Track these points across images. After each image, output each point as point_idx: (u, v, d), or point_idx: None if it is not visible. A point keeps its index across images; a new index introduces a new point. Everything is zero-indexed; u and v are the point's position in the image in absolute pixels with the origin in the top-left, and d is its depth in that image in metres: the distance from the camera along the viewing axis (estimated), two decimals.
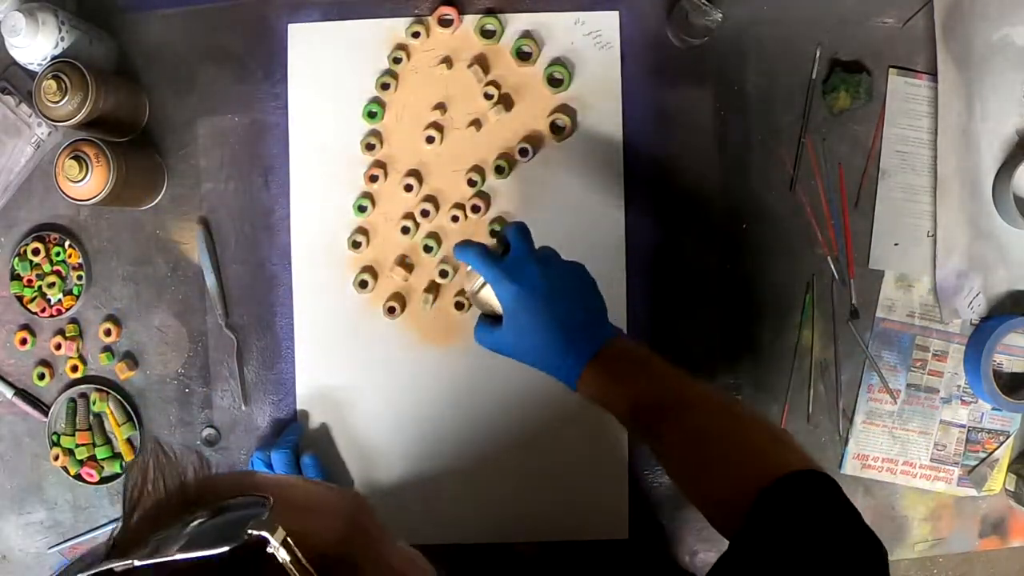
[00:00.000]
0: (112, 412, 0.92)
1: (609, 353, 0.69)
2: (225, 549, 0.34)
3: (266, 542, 0.34)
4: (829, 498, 0.56)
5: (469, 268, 0.73)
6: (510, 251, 0.72)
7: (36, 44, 0.80)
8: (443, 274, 0.91)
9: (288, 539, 0.35)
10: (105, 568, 0.34)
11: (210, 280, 0.92)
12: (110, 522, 0.93)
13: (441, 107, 0.92)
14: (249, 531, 0.34)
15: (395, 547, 0.46)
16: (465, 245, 0.73)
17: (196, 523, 0.36)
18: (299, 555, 0.35)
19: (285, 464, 0.87)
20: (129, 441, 0.92)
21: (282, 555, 0.34)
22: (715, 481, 0.62)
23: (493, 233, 0.90)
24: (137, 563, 0.34)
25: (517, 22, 0.91)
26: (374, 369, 0.92)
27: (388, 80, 0.91)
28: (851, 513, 0.55)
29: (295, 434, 0.91)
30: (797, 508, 0.55)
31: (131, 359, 0.93)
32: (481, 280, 0.72)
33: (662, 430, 0.65)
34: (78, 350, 0.93)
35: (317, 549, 0.36)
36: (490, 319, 0.74)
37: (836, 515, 0.55)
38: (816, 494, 0.56)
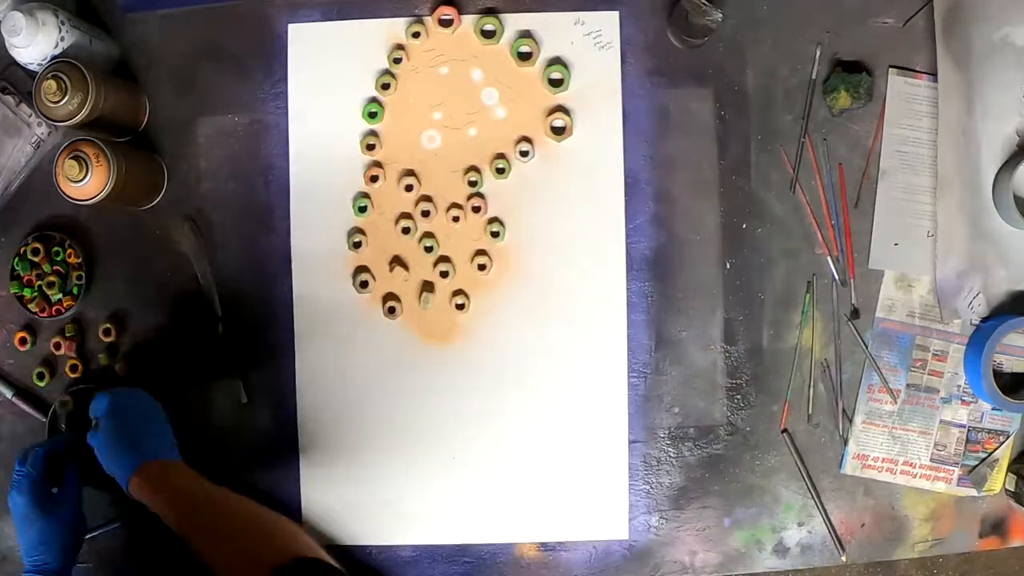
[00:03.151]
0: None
1: (164, 464, 0.81)
2: None
3: None
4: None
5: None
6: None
7: (36, 44, 0.80)
8: (443, 274, 0.91)
9: None
10: None
11: (203, 277, 0.92)
12: (110, 522, 0.93)
13: (441, 107, 0.92)
14: None
15: None
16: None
17: None
18: None
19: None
20: None
21: None
22: (239, 561, 0.73)
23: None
24: None
25: (517, 22, 0.91)
26: (374, 369, 0.92)
27: (388, 80, 0.91)
28: None
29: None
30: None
31: (131, 359, 0.93)
32: None
33: (195, 523, 0.77)
34: (78, 350, 0.93)
35: None
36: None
37: None
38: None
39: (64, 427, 0.90)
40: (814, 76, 0.91)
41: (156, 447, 0.82)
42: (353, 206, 0.91)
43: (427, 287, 0.91)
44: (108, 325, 0.92)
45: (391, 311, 0.91)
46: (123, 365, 0.92)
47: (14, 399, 0.93)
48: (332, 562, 0.75)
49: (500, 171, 0.91)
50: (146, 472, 0.79)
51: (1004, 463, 0.92)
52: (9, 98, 0.91)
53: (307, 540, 0.80)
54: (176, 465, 0.82)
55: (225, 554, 0.73)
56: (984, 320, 0.91)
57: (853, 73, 0.89)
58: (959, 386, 0.92)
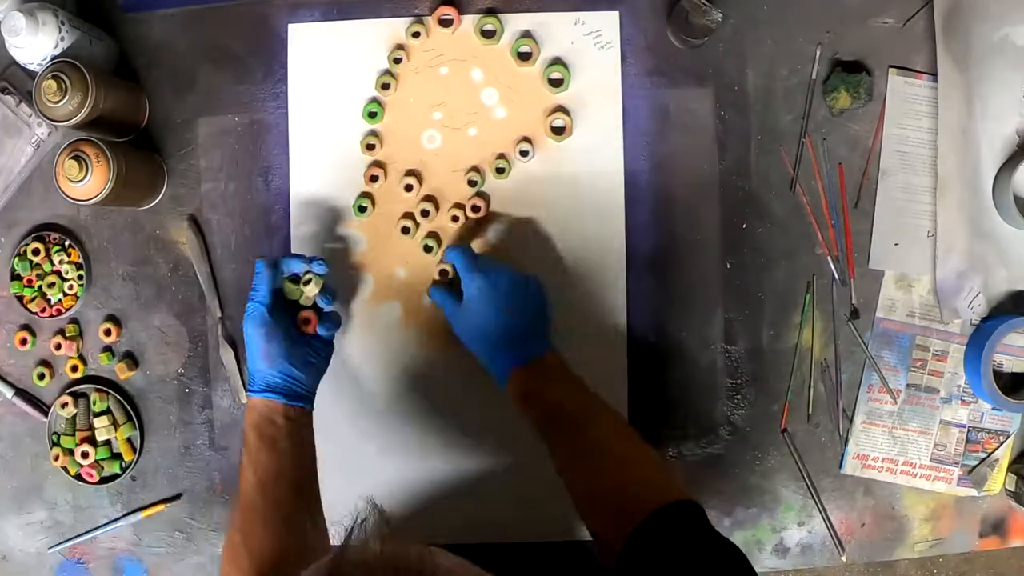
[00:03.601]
0: (112, 412, 0.92)
1: (537, 365, 0.79)
2: None
3: None
4: (700, 526, 0.65)
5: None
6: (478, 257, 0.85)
7: (36, 44, 0.80)
8: (443, 274, 0.91)
9: None
10: None
11: (203, 277, 0.92)
12: (110, 522, 0.93)
13: (441, 107, 0.92)
14: None
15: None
16: (455, 245, 0.87)
17: None
18: None
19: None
20: (129, 441, 0.92)
21: None
22: (603, 503, 0.70)
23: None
24: None
25: (517, 22, 0.91)
26: (374, 368, 0.92)
27: (388, 80, 0.91)
28: (715, 536, 0.63)
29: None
30: (674, 533, 0.63)
31: (131, 359, 0.93)
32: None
33: (563, 442, 0.75)
34: (78, 350, 0.93)
35: None
36: (450, 291, 0.85)
37: (706, 541, 0.63)
38: (690, 522, 0.64)
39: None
40: (814, 76, 0.91)
41: (541, 338, 0.81)
42: (353, 206, 0.91)
43: (427, 287, 0.91)
44: (108, 325, 0.92)
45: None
46: (123, 365, 0.92)
47: (14, 399, 0.93)
48: (701, 508, 0.67)
49: (500, 171, 0.91)
50: (529, 372, 0.78)
51: (1004, 463, 0.92)
52: (9, 98, 0.91)
53: (680, 485, 0.73)
54: (557, 362, 0.80)
55: (595, 497, 0.71)
56: (984, 320, 0.91)
57: (853, 73, 0.89)
58: (959, 386, 0.92)
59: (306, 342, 0.82)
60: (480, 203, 0.90)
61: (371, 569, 0.42)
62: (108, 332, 0.92)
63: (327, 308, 0.84)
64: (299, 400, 0.80)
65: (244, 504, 0.76)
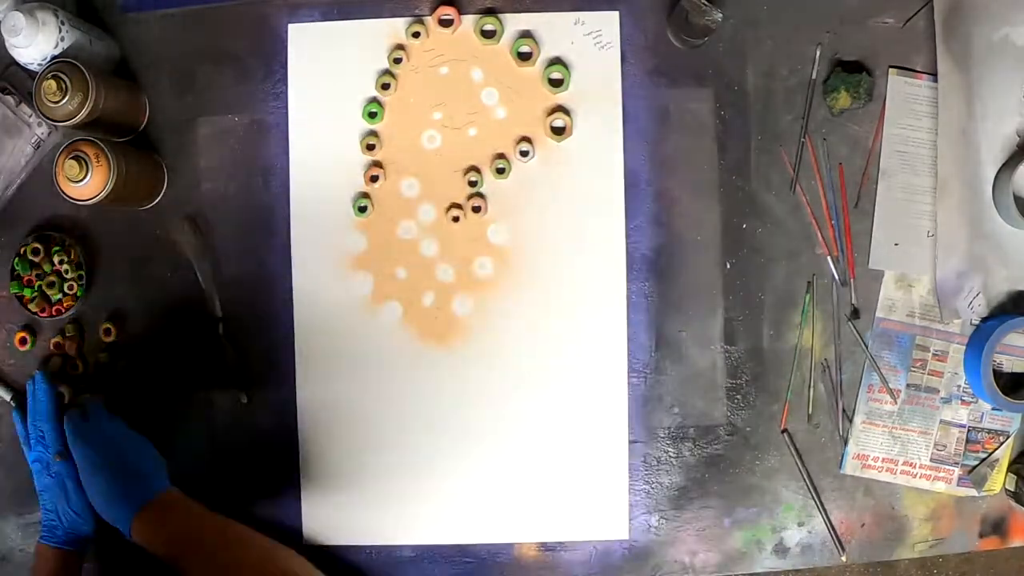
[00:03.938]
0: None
1: (160, 502, 0.80)
2: None
3: None
4: None
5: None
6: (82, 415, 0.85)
7: (36, 44, 0.80)
8: (444, 274, 0.91)
9: None
10: None
11: (203, 277, 0.92)
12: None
13: (441, 107, 0.92)
14: None
15: None
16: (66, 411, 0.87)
17: None
18: None
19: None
20: None
21: None
22: None
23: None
24: None
25: (517, 22, 0.91)
26: (374, 369, 0.92)
27: (388, 80, 0.91)
28: None
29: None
30: None
31: (131, 359, 0.93)
32: None
33: (195, 564, 0.76)
34: (78, 350, 0.93)
35: None
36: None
37: None
38: None
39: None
40: (814, 76, 0.91)
41: (152, 481, 0.82)
42: (353, 206, 0.91)
43: (427, 287, 0.91)
44: (108, 325, 0.92)
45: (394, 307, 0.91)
46: (123, 365, 0.92)
47: (12, 402, 0.92)
48: None
49: (500, 171, 0.91)
50: (147, 515, 0.79)
51: (1004, 463, 0.92)
52: (9, 98, 0.91)
53: (304, 570, 0.79)
54: (175, 499, 0.82)
55: None
56: (984, 320, 0.91)
57: (853, 73, 0.89)
58: (959, 386, 0.92)
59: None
60: (480, 203, 0.90)
61: None
62: (108, 332, 0.92)
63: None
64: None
65: None
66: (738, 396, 0.92)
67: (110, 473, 0.81)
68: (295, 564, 0.78)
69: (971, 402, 0.92)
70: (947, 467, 0.92)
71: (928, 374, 0.92)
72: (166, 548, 0.77)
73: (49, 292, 0.92)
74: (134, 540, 0.78)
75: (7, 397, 0.93)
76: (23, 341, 0.93)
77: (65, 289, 0.92)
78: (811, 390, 0.91)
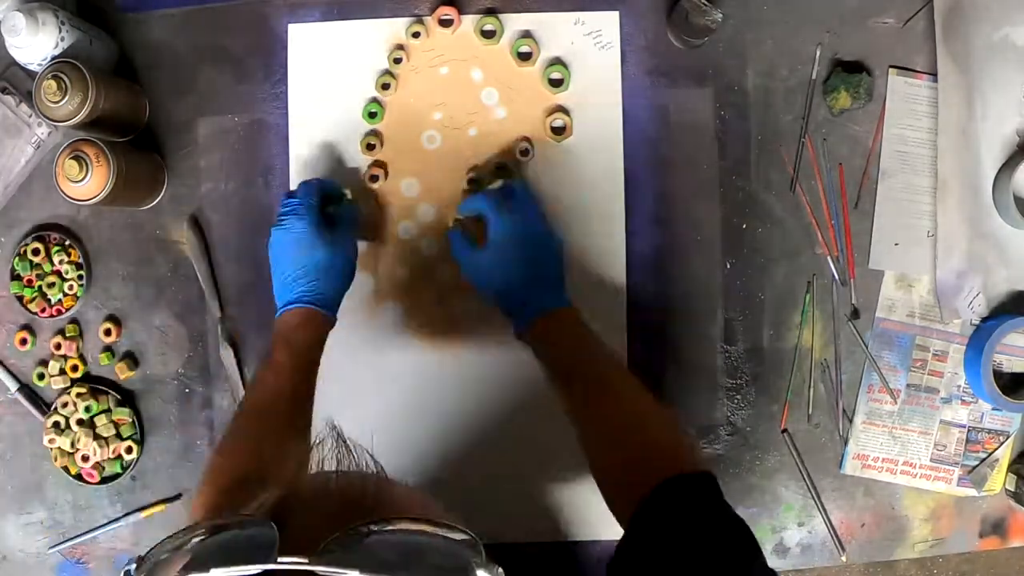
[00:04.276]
0: (112, 412, 0.92)
1: (563, 315, 0.79)
2: None
3: None
4: (709, 499, 0.63)
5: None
6: (513, 195, 0.83)
7: (36, 44, 0.80)
8: (444, 274, 0.91)
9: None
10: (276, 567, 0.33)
11: (203, 277, 0.92)
12: (110, 522, 0.93)
13: (441, 107, 0.92)
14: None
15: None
16: (484, 192, 0.84)
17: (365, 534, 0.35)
18: None
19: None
20: (129, 441, 0.92)
21: None
22: (616, 469, 0.69)
23: (499, 169, 0.90)
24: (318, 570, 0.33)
25: (517, 22, 0.91)
26: (374, 369, 0.92)
27: (388, 80, 0.91)
28: (722, 511, 0.62)
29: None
30: (682, 506, 0.62)
31: (131, 359, 0.93)
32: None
33: (579, 399, 0.73)
34: (78, 350, 0.93)
35: None
36: (470, 240, 0.83)
37: (711, 516, 0.61)
38: (700, 494, 0.63)
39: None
40: (814, 76, 0.91)
41: (562, 292, 0.81)
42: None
43: (427, 287, 0.91)
44: (108, 325, 0.92)
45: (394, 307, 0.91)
46: (123, 365, 0.92)
47: (16, 395, 0.92)
48: (715, 479, 0.65)
49: (500, 171, 0.91)
50: (550, 321, 0.77)
51: (1004, 463, 0.92)
52: (9, 98, 0.91)
53: (697, 454, 0.74)
54: (576, 317, 0.79)
55: (607, 462, 0.70)
56: (984, 320, 0.91)
57: (853, 73, 0.89)
58: (959, 386, 0.92)
59: (331, 247, 0.80)
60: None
61: (323, 498, 0.40)
62: (108, 332, 0.92)
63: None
64: (328, 308, 0.79)
65: (235, 427, 0.75)
66: (738, 396, 0.92)
67: (536, 264, 0.80)
68: (690, 451, 0.70)
69: (971, 402, 0.92)
70: (947, 467, 0.92)
71: (928, 374, 0.92)
72: (557, 362, 0.76)
73: (49, 292, 0.92)
74: (523, 339, 0.78)
75: (13, 389, 0.93)
76: (23, 341, 0.93)
77: (65, 289, 0.92)
78: (811, 390, 0.91)
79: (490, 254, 0.80)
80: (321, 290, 0.79)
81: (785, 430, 0.92)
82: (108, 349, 0.93)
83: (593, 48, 0.91)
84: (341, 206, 0.84)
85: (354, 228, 0.85)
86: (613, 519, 0.91)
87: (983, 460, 0.92)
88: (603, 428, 0.72)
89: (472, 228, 0.85)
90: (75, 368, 0.92)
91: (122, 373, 0.92)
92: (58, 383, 0.91)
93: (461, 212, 0.86)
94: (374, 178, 0.91)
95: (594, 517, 0.91)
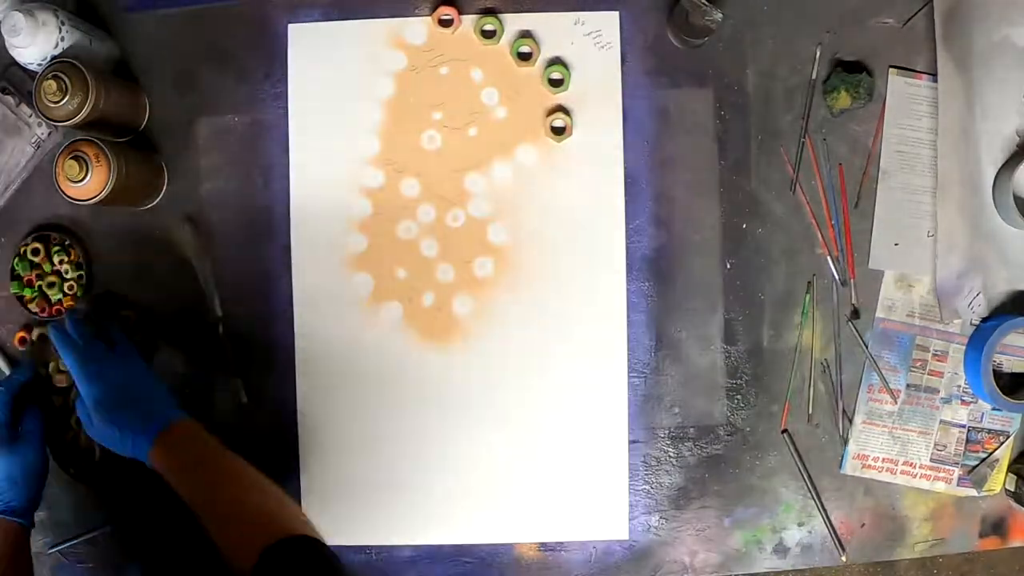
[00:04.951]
0: None
1: (179, 428, 0.78)
2: None
3: None
4: (321, 561, 0.68)
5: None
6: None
7: (36, 44, 0.80)
8: (444, 273, 0.91)
9: None
10: None
11: (203, 277, 0.92)
12: (110, 521, 0.93)
13: (441, 107, 0.92)
14: None
15: None
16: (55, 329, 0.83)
17: None
18: None
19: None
20: None
21: None
22: (236, 535, 0.71)
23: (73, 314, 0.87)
24: None
25: (517, 22, 0.91)
26: (374, 369, 0.92)
27: (388, 80, 0.91)
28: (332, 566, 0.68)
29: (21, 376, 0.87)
30: (294, 567, 0.66)
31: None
32: None
33: (204, 485, 0.75)
34: None
35: None
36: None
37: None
38: (310, 556, 0.67)
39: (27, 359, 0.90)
40: (814, 76, 0.91)
41: (168, 409, 0.80)
42: (353, 206, 0.91)
43: (427, 287, 0.91)
44: None
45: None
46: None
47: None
48: (322, 542, 0.71)
49: (500, 171, 0.91)
50: (164, 440, 0.76)
51: (1004, 463, 0.92)
52: (9, 98, 0.91)
53: (306, 521, 0.76)
54: (192, 427, 0.79)
55: (226, 528, 0.71)
56: (984, 320, 0.91)
57: (853, 73, 0.89)
58: (959, 386, 0.92)
59: (15, 455, 0.82)
60: (480, 203, 0.90)
61: None
62: None
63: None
64: (21, 516, 0.80)
65: None
66: (738, 396, 0.92)
67: (133, 400, 0.79)
68: (297, 523, 0.74)
69: (971, 402, 0.92)
70: (947, 467, 0.92)
71: (928, 374, 0.92)
72: (179, 475, 0.75)
73: (49, 292, 0.92)
74: (153, 467, 0.77)
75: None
76: (23, 341, 0.93)
77: (65, 289, 0.92)
78: (811, 390, 0.91)
79: (89, 402, 0.79)
80: (7, 500, 0.79)
81: (785, 430, 0.92)
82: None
83: (593, 48, 0.91)
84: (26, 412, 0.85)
85: (41, 428, 0.85)
86: (606, 521, 0.91)
87: (983, 460, 0.92)
88: (225, 503, 0.74)
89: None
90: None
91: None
92: (59, 382, 0.91)
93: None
94: (374, 178, 0.91)
95: (591, 517, 0.91)
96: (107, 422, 0.78)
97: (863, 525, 0.92)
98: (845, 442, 0.92)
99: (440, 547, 0.92)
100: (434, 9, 0.91)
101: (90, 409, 0.79)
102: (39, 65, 0.82)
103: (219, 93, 0.93)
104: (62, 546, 0.93)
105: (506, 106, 0.92)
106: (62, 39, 0.82)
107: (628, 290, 0.91)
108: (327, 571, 0.67)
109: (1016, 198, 0.88)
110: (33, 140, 0.92)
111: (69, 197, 0.83)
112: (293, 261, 0.92)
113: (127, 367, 0.82)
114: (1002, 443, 0.92)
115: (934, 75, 0.90)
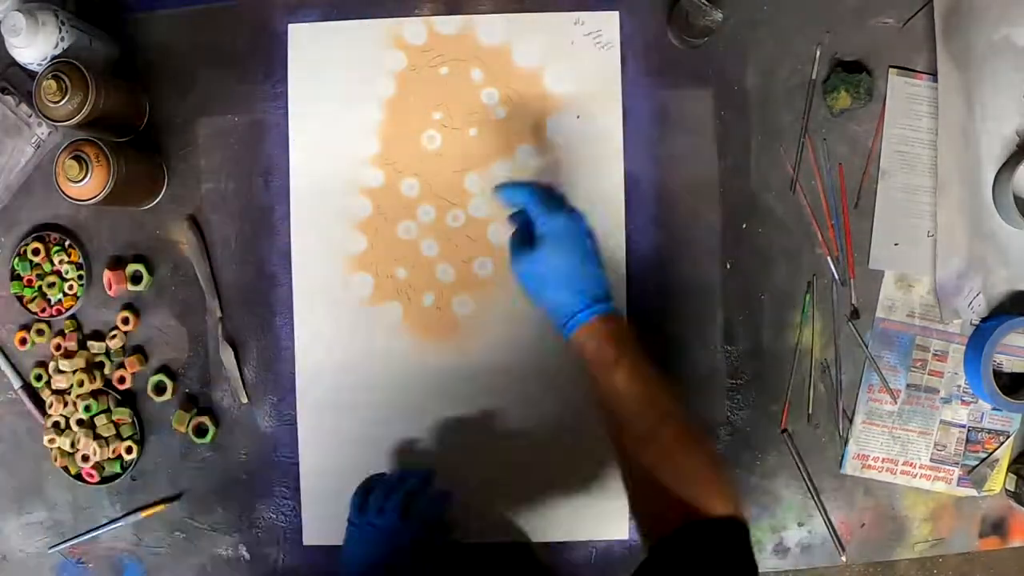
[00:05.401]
0: (112, 412, 0.92)
1: (615, 319, 0.73)
2: None
3: None
4: (736, 545, 0.64)
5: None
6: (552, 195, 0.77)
7: (36, 44, 0.80)
8: (444, 274, 0.91)
9: None
10: None
11: (203, 277, 0.92)
12: (110, 522, 0.93)
13: (441, 107, 0.92)
14: None
15: None
16: (523, 184, 0.77)
17: None
18: None
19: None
20: (129, 441, 0.92)
21: None
22: (648, 501, 0.68)
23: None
24: None
25: (517, 22, 0.91)
26: (374, 369, 0.92)
27: (388, 80, 0.91)
28: (748, 561, 0.64)
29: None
30: (702, 551, 0.63)
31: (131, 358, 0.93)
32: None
33: (625, 420, 0.71)
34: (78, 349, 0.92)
35: None
36: (525, 247, 0.76)
37: (737, 561, 0.64)
38: (724, 540, 0.64)
39: None
40: (814, 76, 0.91)
41: (606, 293, 0.74)
42: (353, 206, 0.91)
43: (428, 287, 0.91)
44: None
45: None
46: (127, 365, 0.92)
47: (20, 392, 0.92)
48: (746, 526, 0.66)
49: (501, 171, 0.91)
50: (598, 324, 0.72)
51: (1004, 463, 0.92)
52: (9, 98, 0.91)
53: (727, 485, 0.69)
54: (622, 322, 0.74)
55: (643, 492, 0.68)
56: (984, 320, 0.91)
57: (853, 73, 0.89)
58: (959, 386, 0.92)
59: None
60: (480, 203, 0.90)
61: None
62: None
63: None
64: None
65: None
66: (738, 396, 0.92)
67: (591, 263, 0.74)
68: (726, 493, 0.68)
69: (971, 402, 0.92)
70: (947, 467, 0.92)
71: (928, 374, 0.92)
72: (604, 372, 0.71)
73: (49, 292, 0.92)
74: (573, 339, 0.73)
75: (16, 385, 0.93)
76: (23, 341, 0.93)
77: (65, 289, 0.92)
78: (811, 390, 0.91)
79: (542, 252, 0.74)
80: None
81: (785, 430, 0.92)
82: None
83: (593, 48, 0.91)
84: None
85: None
86: (608, 521, 0.91)
87: (983, 460, 0.92)
88: (644, 454, 0.69)
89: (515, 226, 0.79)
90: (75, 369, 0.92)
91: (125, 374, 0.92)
92: (58, 383, 0.91)
93: (501, 199, 0.78)
94: (374, 179, 0.91)
95: (591, 517, 0.91)
96: (566, 279, 0.73)
97: (863, 525, 0.92)
98: (845, 442, 0.92)
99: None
100: (434, 9, 0.91)
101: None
102: (39, 65, 0.83)
103: (219, 93, 0.93)
104: (62, 546, 0.93)
105: (506, 106, 0.92)
106: (62, 39, 0.82)
107: (628, 290, 0.91)
108: (744, 565, 0.63)
109: (1016, 198, 0.88)
110: (33, 140, 0.92)
111: (69, 197, 0.83)
112: (293, 261, 0.92)
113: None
114: (1002, 443, 0.92)
115: (934, 75, 0.90)
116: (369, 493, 0.80)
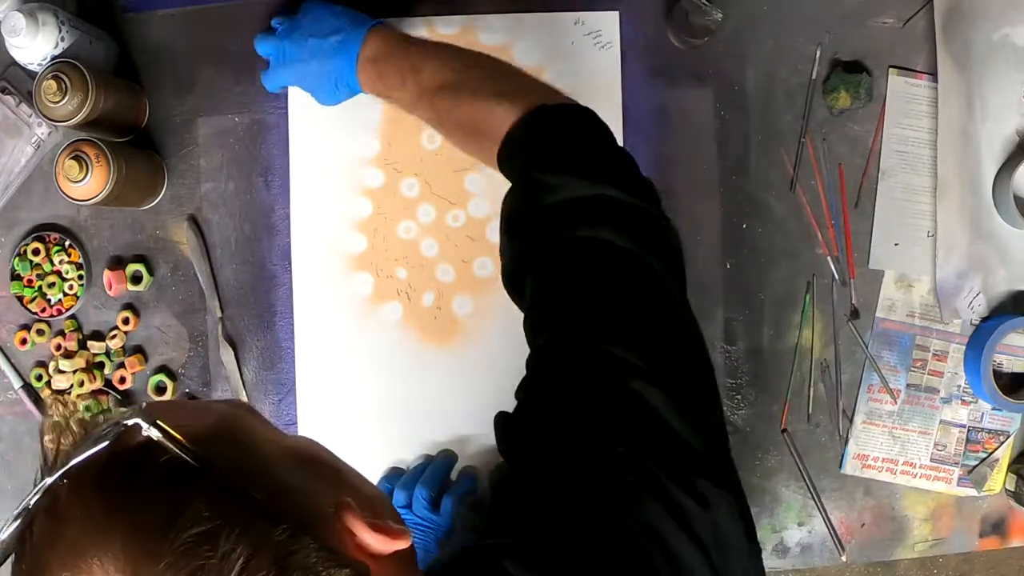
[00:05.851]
0: (112, 412, 0.92)
1: (377, 40, 0.76)
2: (105, 444, 0.39)
3: (140, 429, 0.38)
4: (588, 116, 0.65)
5: None
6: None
7: (36, 44, 0.80)
8: (444, 274, 0.91)
9: (159, 421, 0.38)
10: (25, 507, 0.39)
11: (203, 277, 0.92)
12: None
13: None
14: (124, 422, 0.39)
15: (283, 433, 0.50)
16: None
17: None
18: (171, 432, 0.38)
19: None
20: None
21: (154, 434, 0.38)
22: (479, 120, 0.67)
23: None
24: (48, 480, 0.39)
25: (517, 22, 0.91)
26: (375, 369, 0.92)
27: None
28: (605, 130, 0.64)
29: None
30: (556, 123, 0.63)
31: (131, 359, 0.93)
32: None
33: (432, 82, 0.70)
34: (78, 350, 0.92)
35: (190, 431, 0.39)
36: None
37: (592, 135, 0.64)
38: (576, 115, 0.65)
39: None
40: (814, 76, 0.91)
41: (362, 23, 0.77)
42: (353, 206, 0.91)
43: (428, 287, 0.91)
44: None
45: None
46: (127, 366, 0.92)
47: (21, 392, 0.92)
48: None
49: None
50: (374, 45, 0.74)
51: (1004, 463, 0.92)
52: (9, 98, 0.91)
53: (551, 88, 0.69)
54: (384, 32, 0.76)
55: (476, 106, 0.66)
56: (984, 320, 0.91)
57: (853, 73, 0.89)
58: (959, 386, 0.92)
59: None
60: (480, 203, 0.90)
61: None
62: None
63: None
64: None
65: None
66: (738, 396, 0.92)
67: (317, 28, 0.79)
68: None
69: (971, 402, 0.92)
70: (947, 467, 0.92)
71: (928, 374, 0.92)
72: (396, 78, 0.73)
73: (49, 292, 0.92)
74: (364, 90, 0.77)
75: (16, 385, 0.93)
76: (23, 341, 0.93)
77: (65, 289, 0.92)
78: (811, 390, 0.91)
79: (279, 64, 0.82)
80: None
81: (785, 430, 0.92)
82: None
83: (593, 48, 0.91)
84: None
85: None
86: None
87: (983, 460, 0.92)
88: (459, 92, 0.69)
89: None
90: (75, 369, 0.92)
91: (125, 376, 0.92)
92: (59, 383, 0.91)
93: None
94: (374, 178, 0.91)
95: None
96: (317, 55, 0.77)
97: (863, 525, 0.92)
98: (845, 442, 0.92)
99: None
100: (434, 9, 0.91)
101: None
102: (39, 65, 0.82)
103: (219, 93, 0.93)
104: None
105: None
106: (62, 39, 0.82)
107: None
108: (598, 134, 0.63)
109: (1016, 198, 0.88)
110: (33, 140, 0.92)
111: (69, 197, 0.83)
112: (293, 261, 0.92)
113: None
114: (1002, 443, 0.92)
115: (934, 75, 0.90)
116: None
